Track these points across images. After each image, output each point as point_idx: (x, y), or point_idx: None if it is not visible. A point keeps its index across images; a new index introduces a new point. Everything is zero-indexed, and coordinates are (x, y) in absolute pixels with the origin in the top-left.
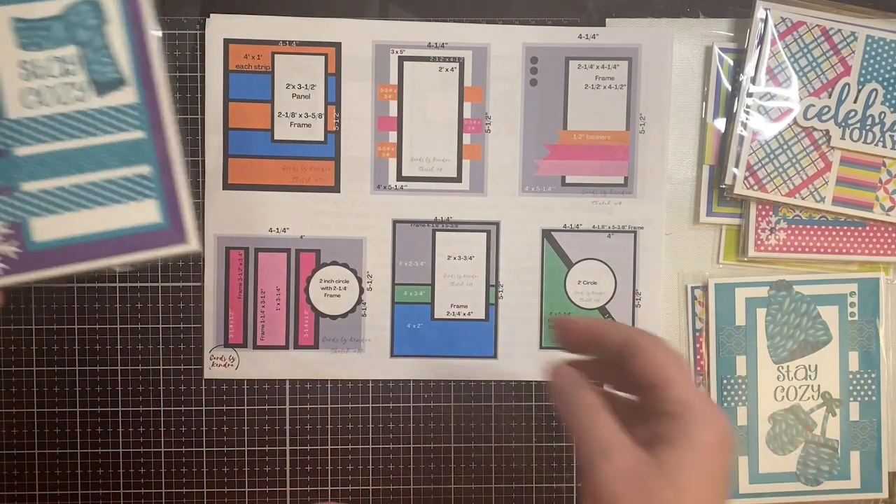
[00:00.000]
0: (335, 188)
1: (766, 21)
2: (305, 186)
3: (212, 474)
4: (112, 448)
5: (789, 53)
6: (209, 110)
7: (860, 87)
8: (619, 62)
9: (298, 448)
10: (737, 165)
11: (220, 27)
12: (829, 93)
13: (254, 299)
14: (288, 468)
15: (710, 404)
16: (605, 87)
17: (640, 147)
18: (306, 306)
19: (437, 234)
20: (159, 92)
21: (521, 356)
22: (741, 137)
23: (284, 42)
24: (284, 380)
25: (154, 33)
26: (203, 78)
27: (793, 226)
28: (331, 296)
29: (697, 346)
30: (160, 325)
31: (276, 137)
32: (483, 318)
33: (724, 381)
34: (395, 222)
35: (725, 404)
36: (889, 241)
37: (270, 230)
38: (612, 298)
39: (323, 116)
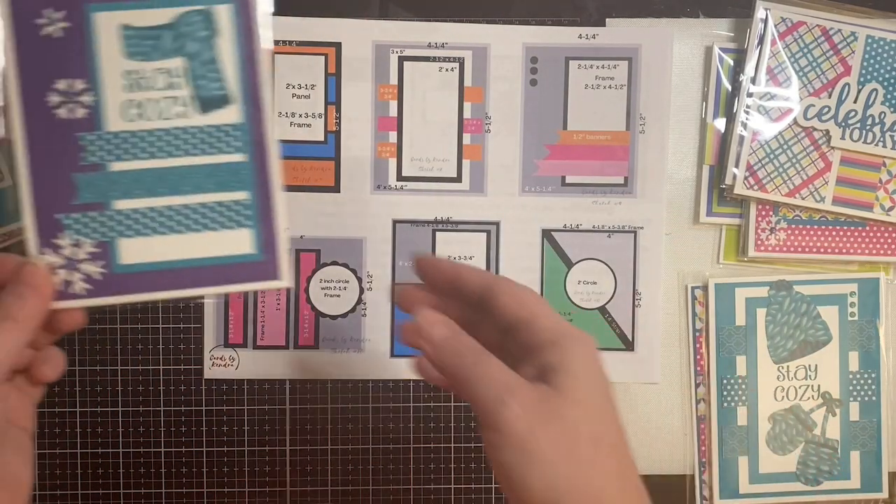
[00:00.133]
0: (335, 188)
1: (766, 21)
2: (305, 186)
3: (212, 474)
4: (112, 448)
5: (789, 53)
6: None
7: (860, 87)
8: (619, 62)
9: (298, 448)
10: (737, 165)
11: None
12: (829, 93)
13: (254, 299)
14: (288, 468)
15: (572, 325)
16: (605, 87)
17: (640, 147)
18: (306, 306)
19: (438, 234)
20: (265, 113)
21: None
22: (741, 137)
23: (284, 42)
24: (284, 380)
25: (265, 48)
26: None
27: (793, 226)
28: (331, 296)
29: (697, 346)
30: (160, 325)
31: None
32: None
33: (724, 381)
34: (395, 222)
35: (725, 404)
36: (889, 241)
37: None
38: (612, 298)
39: (323, 116)
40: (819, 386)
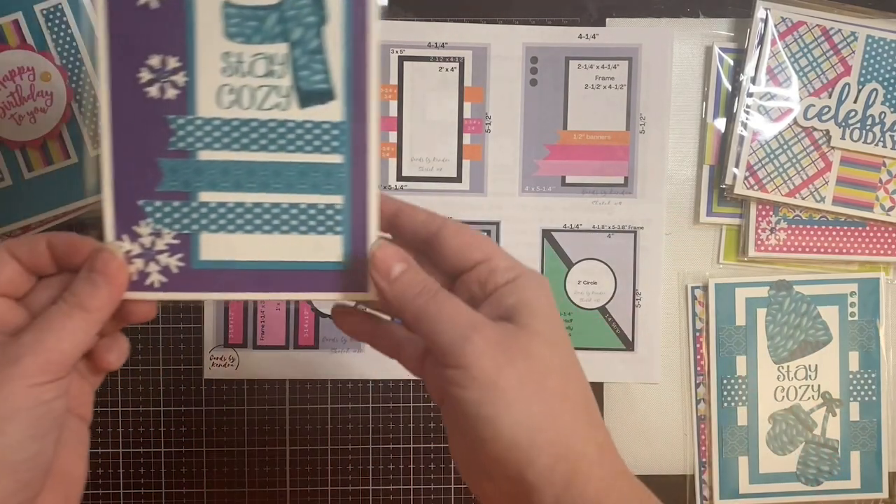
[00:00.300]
0: None
1: (766, 21)
2: None
3: (212, 474)
4: (112, 448)
5: (789, 53)
6: None
7: (860, 87)
8: (620, 62)
9: (298, 448)
10: (737, 165)
11: None
12: (829, 93)
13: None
14: (288, 468)
15: (520, 262)
16: (605, 87)
17: (640, 147)
18: (306, 306)
19: None
20: (370, 113)
21: None
22: (741, 137)
23: None
24: (284, 380)
25: (376, 41)
26: None
27: (793, 226)
28: None
29: (697, 346)
30: (160, 325)
31: None
32: None
33: (725, 381)
34: None
35: (725, 404)
36: (889, 241)
37: None
38: (612, 298)
39: None
40: (819, 386)
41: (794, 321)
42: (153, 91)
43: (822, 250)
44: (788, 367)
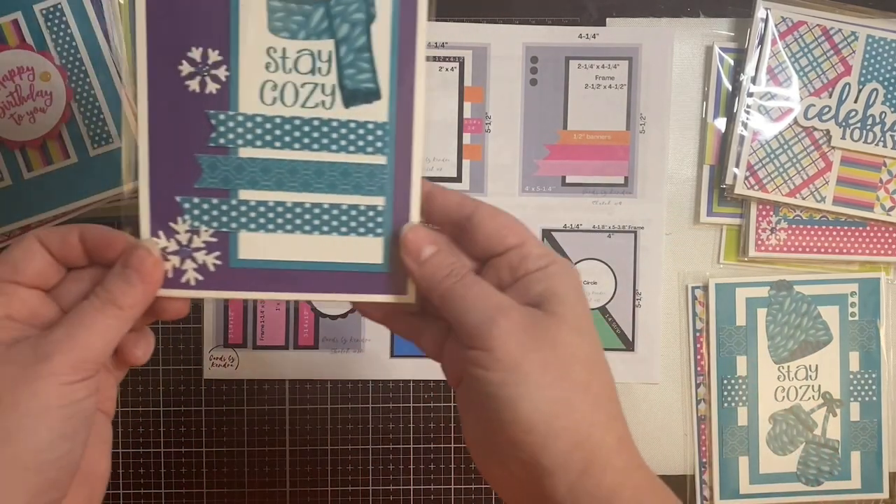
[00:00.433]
0: None
1: (766, 21)
2: None
3: (212, 474)
4: (112, 448)
5: (790, 53)
6: None
7: (861, 86)
8: (620, 62)
9: (298, 448)
10: (737, 165)
11: None
12: (829, 92)
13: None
14: (288, 468)
15: (553, 251)
16: (605, 87)
17: (640, 147)
18: (306, 306)
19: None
20: (415, 114)
21: None
22: (742, 137)
23: None
24: (284, 380)
25: (425, 40)
26: None
27: (793, 226)
28: None
29: (698, 346)
30: (160, 325)
31: None
32: None
33: (725, 382)
34: None
35: (726, 404)
36: (890, 240)
37: None
38: (612, 298)
39: None
40: (819, 386)
41: (795, 321)
42: (193, 85)
43: (823, 250)
44: (789, 367)
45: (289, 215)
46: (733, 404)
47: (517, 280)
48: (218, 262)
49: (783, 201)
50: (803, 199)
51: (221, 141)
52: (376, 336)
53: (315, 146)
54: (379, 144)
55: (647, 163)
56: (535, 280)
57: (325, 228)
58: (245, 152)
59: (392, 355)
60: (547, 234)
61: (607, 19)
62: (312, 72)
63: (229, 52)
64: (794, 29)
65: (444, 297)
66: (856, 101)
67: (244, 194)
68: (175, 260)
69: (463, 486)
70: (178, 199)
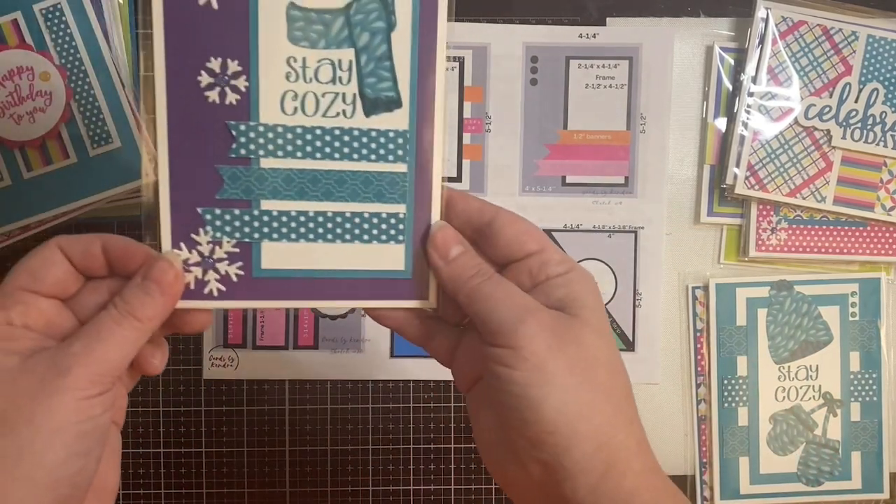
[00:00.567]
0: None
1: (766, 20)
2: None
3: (212, 474)
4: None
5: (790, 53)
6: None
7: (861, 86)
8: (620, 62)
9: (298, 448)
10: (738, 165)
11: None
12: (830, 92)
13: None
14: (288, 468)
15: (571, 258)
16: (605, 87)
17: (640, 147)
18: None
19: None
20: (435, 122)
21: None
22: (742, 137)
23: None
24: (284, 380)
25: (445, 48)
26: None
27: (794, 226)
28: None
29: (698, 346)
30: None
31: None
32: None
33: (725, 382)
34: None
35: (726, 405)
36: (890, 240)
37: None
38: (612, 298)
39: None
40: (820, 386)
41: (795, 321)
42: (213, 95)
43: (823, 250)
44: (789, 367)
45: (311, 224)
46: (734, 404)
47: (537, 285)
48: (241, 273)
49: (784, 201)
50: (804, 199)
51: (242, 152)
52: (376, 336)
53: (336, 155)
54: (400, 152)
55: (648, 163)
56: (557, 285)
57: (348, 237)
58: (266, 162)
59: (392, 355)
60: (547, 234)
61: (607, 19)
62: (333, 81)
63: (249, 62)
64: (794, 29)
65: (471, 295)
66: (856, 101)
67: (266, 204)
68: (197, 271)
69: (463, 487)
70: (199, 210)
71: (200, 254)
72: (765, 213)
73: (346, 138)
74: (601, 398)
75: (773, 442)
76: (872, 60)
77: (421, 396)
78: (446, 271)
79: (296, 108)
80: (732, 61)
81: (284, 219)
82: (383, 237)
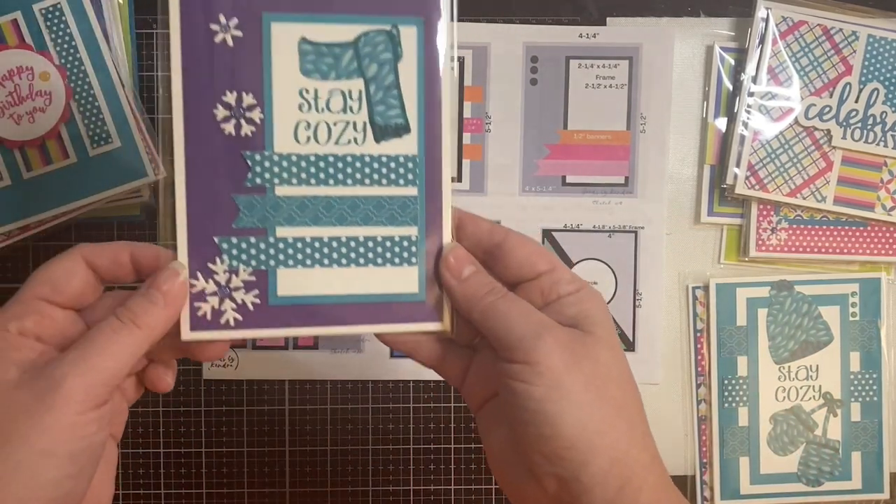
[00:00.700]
0: None
1: (767, 20)
2: None
3: (211, 474)
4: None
5: (790, 53)
6: None
7: (861, 86)
8: (620, 61)
9: (298, 448)
10: (738, 165)
11: None
12: (830, 92)
13: None
14: (288, 468)
15: (580, 277)
16: (605, 87)
17: (640, 147)
18: None
19: None
20: (443, 146)
21: None
22: (742, 137)
23: None
24: (284, 380)
25: (449, 76)
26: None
27: (794, 226)
28: None
29: (698, 346)
30: None
31: None
32: None
33: (725, 382)
34: None
35: (726, 405)
36: (891, 240)
37: None
38: (612, 298)
39: None
40: (820, 386)
41: (796, 321)
42: (229, 128)
43: (824, 250)
44: (789, 367)
45: (325, 249)
46: (734, 404)
47: (549, 303)
48: (257, 301)
49: (784, 201)
50: (804, 198)
51: (258, 181)
52: None
53: (349, 181)
54: (410, 176)
55: (648, 163)
56: (568, 303)
57: (361, 260)
58: (281, 190)
59: (392, 355)
60: (547, 234)
61: (608, 19)
62: (344, 110)
63: (263, 95)
64: (794, 28)
65: (487, 312)
66: (856, 101)
67: (281, 231)
68: (214, 301)
69: (463, 487)
70: (216, 239)
71: (217, 283)
72: (765, 213)
73: (358, 164)
74: (616, 413)
75: (773, 442)
76: (873, 60)
77: (421, 396)
78: (460, 290)
79: (309, 137)
80: (733, 61)
81: (299, 245)
82: (396, 260)
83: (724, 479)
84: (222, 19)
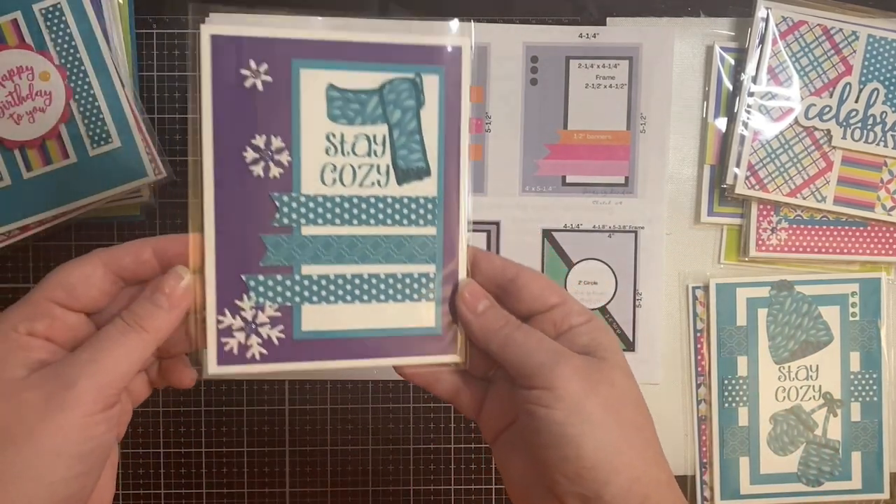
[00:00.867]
0: None
1: (767, 20)
2: None
3: (211, 474)
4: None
5: (790, 53)
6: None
7: (861, 86)
8: (620, 61)
9: (298, 448)
10: (738, 165)
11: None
12: (830, 92)
13: None
14: (288, 468)
15: (587, 308)
16: (605, 87)
17: (640, 147)
18: None
19: None
20: (461, 188)
21: None
22: (742, 137)
23: None
24: (284, 380)
25: (467, 122)
26: (202, 77)
27: (794, 226)
28: None
29: (698, 346)
30: None
31: None
32: None
33: (725, 382)
34: None
35: (726, 405)
36: (890, 240)
37: None
38: (612, 298)
39: None
40: (820, 386)
41: (796, 321)
42: (258, 170)
43: (824, 250)
44: (789, 367)
45: (348, 286)
46: (734, 404)
47: (562, 333)
48: (282, 336)
49: (784, 201)
50: (804, 198)
51: (285, 221)
52: None
53: (372, 221)
54: (429, 217)
55: (648, 163)
56: (580, 333)
57: (382, 297)
58: (307, 230)
59: None
60: (547, 234)
61: (607, 19)
62: (368, 154)
63: (291, 138)
64: (794, 28)
65: (505, 342)
66: (856, 101)
67: (306, 269)
68: (241, 336)
69: (463, 487)
70: (243, 277)
71: (244, 319)
72: (765, 213)
73: (381, 205)
74: (634, 434)
75: (773, 442)
76: (873, 60)
77: (421, 396)
78: (477, 324)
79: (335, 180)
80: (733, 61)
81: (324, 282)
82: (415, 296)
83: (724, 479)
84: (253, 64)
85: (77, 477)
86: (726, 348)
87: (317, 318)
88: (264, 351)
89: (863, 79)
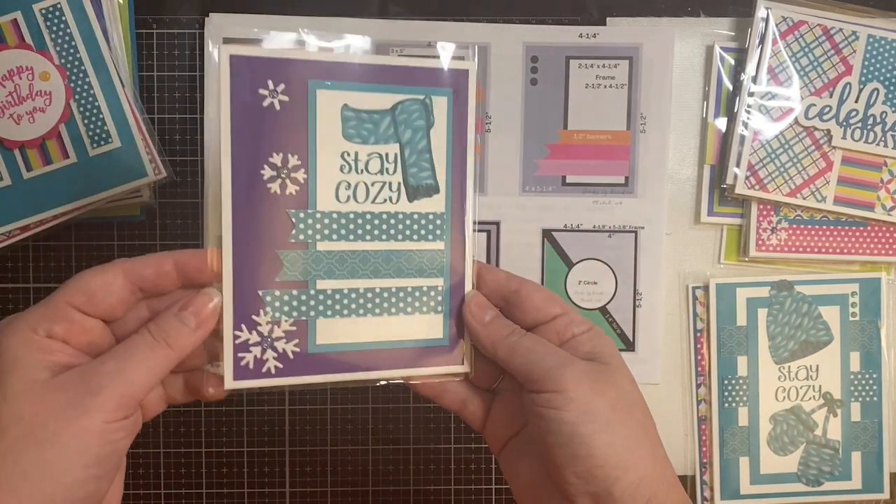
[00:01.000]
0: None
1: (767, 20)
2: None
3: (211, 474)
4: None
5: (790, 53)
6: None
7: (861, 86)
8: (620, 61)
9: (298, 448)
10: (738, 165)
11: (219, 27)
12: (830, 92)
13: None
14: (288, 468)
15: (587, 318)
16: (605, 87)
17: (640, 147)
18: None
19: None
20: (467, 205)
21: None
22: (742, 137)
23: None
24: None
25: (472, 141)
26: (202, 77)
27: (794, 226)
28: None
29: (698, 346)
30: None
31: None
32: None
33: (725, 382)
34: None
35: (726, 405)
36: (891, 240)
37: None
38: (612, 298)
39: None
40: (820, 386)
41: (796, 321)
42: (275, 187)
43: (824, 250)
44: (789, 367)
45: (361, 300)
46: (734, 404)
47: (565, 342)
48: (297, 350)
49: (784, 201)
50: (804, 198)
51: (301, 237)
52: None
53: (384, 237)
54: (438, 232)
55: (648, 163)
56: (583, 341)
57: (393, 310)
58: (322, 245)
59: None
60: (547, 234)
61: (608, 19)
62: (381, 172)
63: (307, 157)
64: (794, 28)
65: (513, 349)
66: (856, 101)
67: (321, 284)
68: (257, 351)
69: (463, 487)
70: (260, 293)
71: (260, 334)
72: (765, 213)
73: (392, 221)
74: (641, 434)
75: (773, 442)
76: (873, 60)
77: (421, 397)
78: (484, 333)
79: (349, 197)
80: (733, 61)
81: (337, 296)
82: (424, 308)
83: (724, 479)
84: (271, 84)
85: (94, 479)
86: (726, 348)
87: (330, 331)
88: (279, 365)
89: (863, 79)
